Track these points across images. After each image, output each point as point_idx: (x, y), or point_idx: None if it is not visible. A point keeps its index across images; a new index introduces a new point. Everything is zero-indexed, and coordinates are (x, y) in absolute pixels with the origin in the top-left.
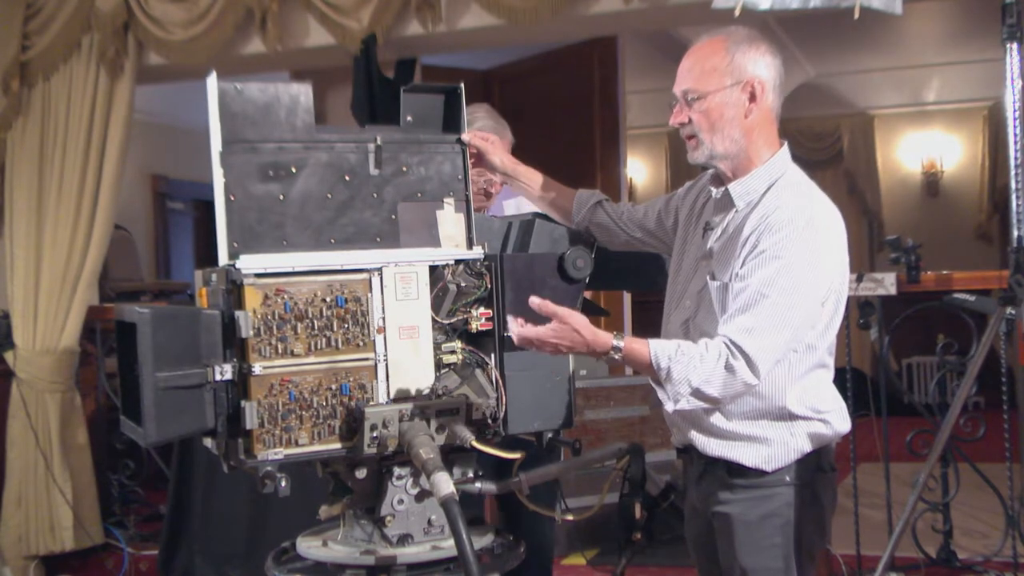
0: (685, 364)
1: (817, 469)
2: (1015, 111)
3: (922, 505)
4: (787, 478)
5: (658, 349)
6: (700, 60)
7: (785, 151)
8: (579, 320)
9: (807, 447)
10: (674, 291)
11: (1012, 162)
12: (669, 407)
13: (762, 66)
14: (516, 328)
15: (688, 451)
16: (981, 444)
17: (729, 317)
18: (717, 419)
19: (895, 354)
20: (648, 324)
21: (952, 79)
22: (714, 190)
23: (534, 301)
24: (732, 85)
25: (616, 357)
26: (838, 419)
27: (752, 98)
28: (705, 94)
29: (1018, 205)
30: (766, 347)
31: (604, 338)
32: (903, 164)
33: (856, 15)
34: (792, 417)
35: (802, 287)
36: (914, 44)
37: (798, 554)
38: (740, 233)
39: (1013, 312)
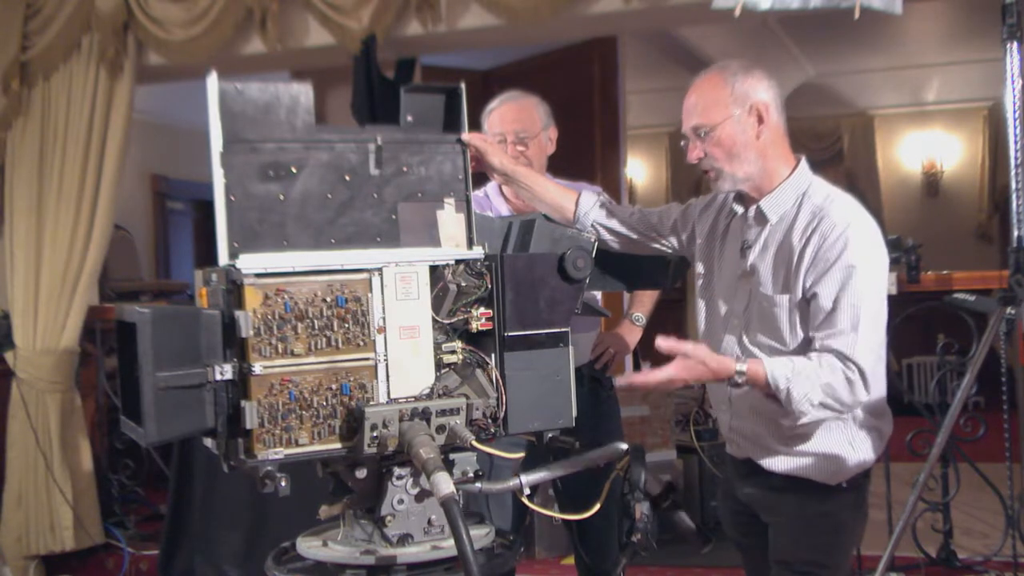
0: (803, 382)
1: (865, 476)
2: (1015, 111)
3: (922, 505)
4: (843, 484)
5: (775, 371)
6: (702, 96)
7: (804, 164)
8: (703, 352)
9: (868, 456)
10: (712, 317)
11: (1012, 162)
12: (790, 421)
13: (761, 90)
14: (642, 378)
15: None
16: (981, 444)
17: (836, 332)
18: (780, 437)
19: (895, 354)
20: (650, 325)
21: (952, 79)
22: (740, 209)
23: (661, 344)
24: (738, 113)
25: (740, 381)
26: (887, 424)
27: (760, 120)
28: (714, 126)
29: (1018, 205)
30: (870, 352)
31: (728, 364)
32: (903, 164)
33: (856, 15)
34: (855, 419)
35: (880, 287)
36: (914, 44)
37: (845, 554)
38: (788, 246)
39: (1013, 312)
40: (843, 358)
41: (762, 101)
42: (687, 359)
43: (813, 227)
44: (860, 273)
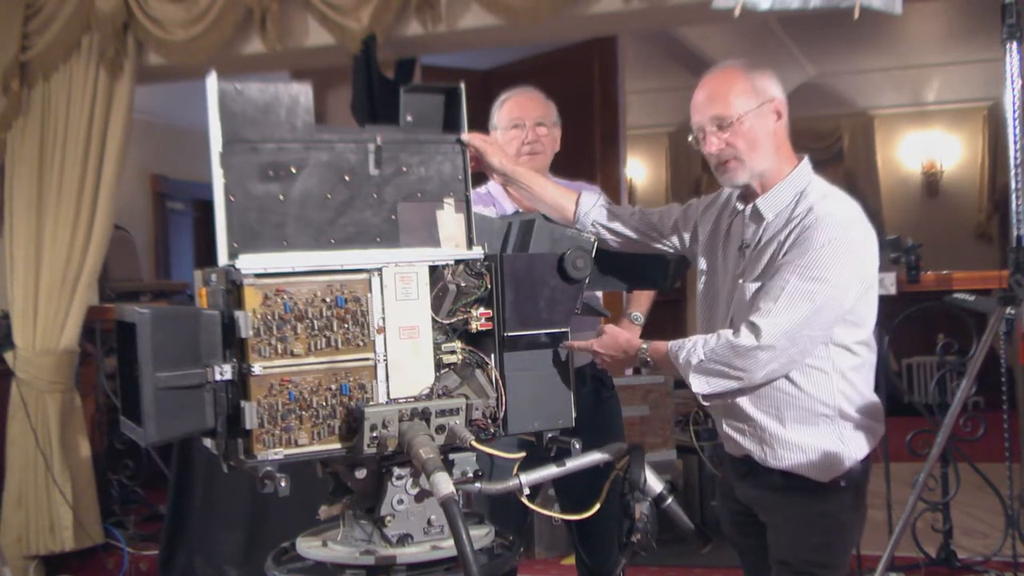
0: (691, 348)
1: (862, 473)
2: (1015, 111)
3: (922, 505)
4: (841, 483)
5: (672, 343)
6: (721, 88)
7: (806, 163)
8: (618, 331)
9: (860, 452)
10: (712, 315)
11: (1012, 162)
12: (700, 392)
13: (776, 88)
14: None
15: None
16: (981, 444)
17: (759, 305)
18: (775, 430)
19: (895, 354)
20: (650, 325)
21: (952, 79)
22: (742, 206)
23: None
24: (761, 105)
25: (647, 358)
26: (878, 422)
27: (778, 116)
28: (739, 116)
29: (1018, 205)
30: (779, 322)
31: (635, 343)
32: (903, 164)
33: (856, 15)
34: (844, 416)
35: (828, 268)
36: (914, 44)
37: (845, 553)
38: (776, 242)
39: (1013, 312)
40: (750, 325)
41: (779, 98)
42: (605, 335)
43: (799, 222)
44: (814, 256)
